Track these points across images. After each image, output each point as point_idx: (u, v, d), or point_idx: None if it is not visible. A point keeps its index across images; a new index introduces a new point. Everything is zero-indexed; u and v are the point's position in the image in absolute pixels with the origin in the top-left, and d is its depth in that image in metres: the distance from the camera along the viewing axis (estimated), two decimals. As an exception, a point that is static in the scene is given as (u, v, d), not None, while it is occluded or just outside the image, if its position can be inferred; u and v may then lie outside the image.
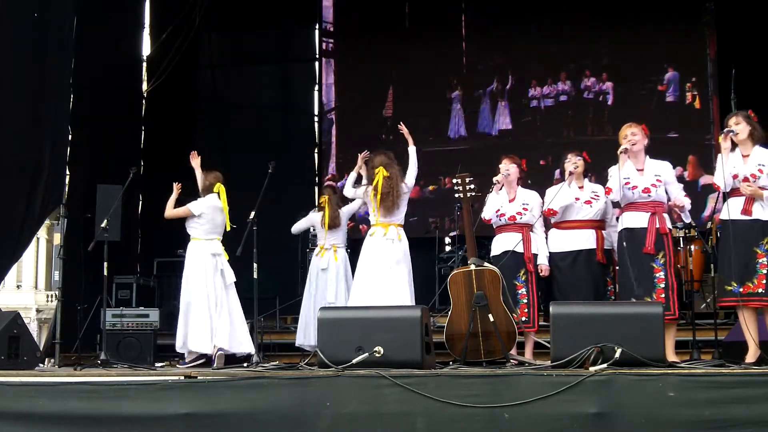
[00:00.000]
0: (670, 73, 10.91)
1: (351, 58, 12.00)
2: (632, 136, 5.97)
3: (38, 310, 30.83)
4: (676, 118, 10.73)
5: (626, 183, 5.94)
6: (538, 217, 6.56)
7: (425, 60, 11.46)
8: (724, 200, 5.68)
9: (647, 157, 6.05)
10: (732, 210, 5.56)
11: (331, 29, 12.21)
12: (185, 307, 7.07)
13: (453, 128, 11.55)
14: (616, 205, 6.34)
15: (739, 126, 5.61)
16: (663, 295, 5.82)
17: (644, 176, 5.96)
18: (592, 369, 4.65)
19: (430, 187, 11.48)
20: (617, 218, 6.57)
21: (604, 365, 4.69)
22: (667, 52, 10.90)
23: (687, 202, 6.08)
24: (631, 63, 10.97)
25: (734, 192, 5.61)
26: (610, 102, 11.01)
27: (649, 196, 5.93)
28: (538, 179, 9.30)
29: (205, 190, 7.27)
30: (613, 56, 11.10)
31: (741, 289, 5.51)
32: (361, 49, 11.81)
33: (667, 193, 6.03)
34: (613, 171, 6.01)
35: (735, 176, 5.56)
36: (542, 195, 6.61)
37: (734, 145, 5.64)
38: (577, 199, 6.45)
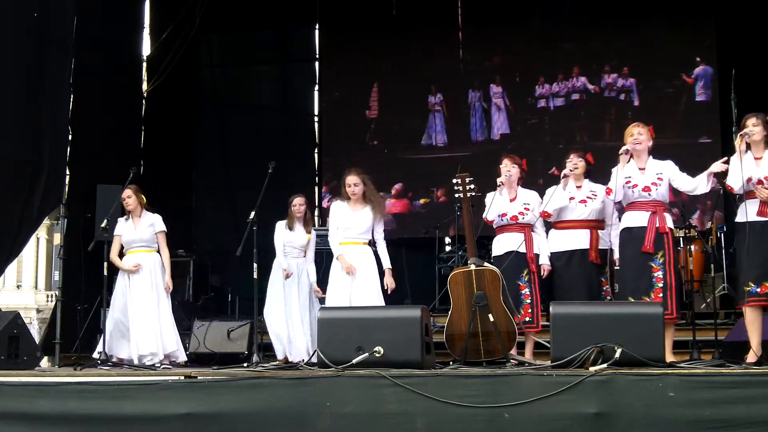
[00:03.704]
0: (701, 68, 10.46)
1: (333, 55, 11.86)
2: (638, 135, 5.97)
3: (38, 310, 30.83)
4: (708, 121, 10.25)
5: (627, 182, 5.95)
6: (539, 216, 6.57)
7: (416, 56, 11.25)
8: (740, 202, 5.67)
9: (650, 157, 6.05)
10: (748, 212, 5.57)
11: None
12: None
13: (436, 133, 11.24)
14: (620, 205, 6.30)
15: (756, 128, 5.60)
16: (661, 295, 5.81)
17: (645, 175, 5.96)
18: (592, 369, 4.65)
19: (422, 200, 11.23)
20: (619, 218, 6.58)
21: (604, 365, 4.69)
22: (697, 45, 10.44)
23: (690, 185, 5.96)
24: (653, 57, 10.53)
25: (748, 195, 5.60)
26: (636, 102, 10.55)
27: (649, 195, 5.93)
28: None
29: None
30: (633, 49, 10.67)
31: (758, 290, 5.51)
32: (344, 45, 11.64)
33: (674, 188, 6.02)
34: (614, 171, 6.02)
35: (749, 179, 5.55)
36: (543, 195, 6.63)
37: (747, 147, 5.63)
38: (572, 198, 6.48)
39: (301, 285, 7.62)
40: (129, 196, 7.25)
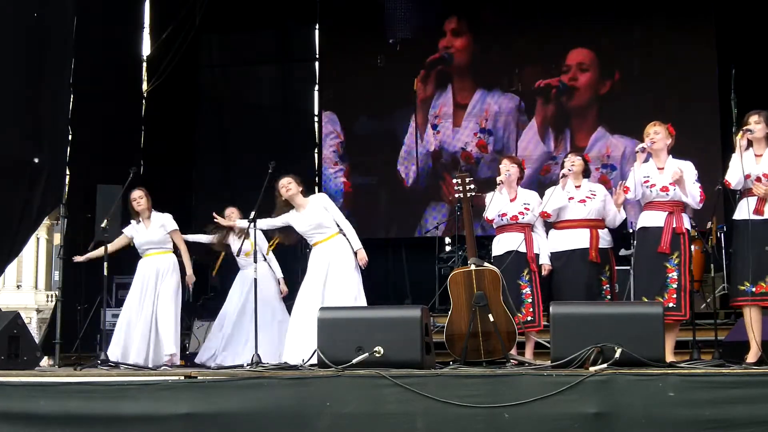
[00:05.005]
0: (702, 67, 10.36)
1: (333, 55, 11.81)
2: (654, 135, 5.95)
3: (38, 310, 30.84)
4: (708, 121, 10.18)
5: (645, 181, 5.94)
6: (538, 216, 6.58)
7: (410, 54, 11.26)
8: (739, 200, 5.66)
9: (670, 156, 6.03)
10: (745, 210, 5.56)
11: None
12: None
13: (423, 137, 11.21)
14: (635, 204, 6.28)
15: (758, 126, 5.58)
16: (675, 296, 5.80)
17: (664, 175, 5.93)
18: (592, 369, 4.65)
19: None
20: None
21: (604, 365, 4.69)
22: (697, 45, 10.40)
23: (693, 195, 5.90)
24: (654, 57, 10.50)
25: (747, 192, 5.60)
26: (637, 103, 10.37)
27: (666, 194, 5.90)
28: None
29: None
30: (634, 49, 10.66)
31: (754, 289, 5.49)
32: (344, 45, 11.60)
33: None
34: (632, 169, 6.01)
35: (747, 176, 5.54)
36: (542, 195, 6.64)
37: (748, 144, 5.62)
38: (571, 198, 6.49)
39: (249, 294, 7.62)
40: (141, 197, 7.20)
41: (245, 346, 7.36)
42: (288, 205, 6.67)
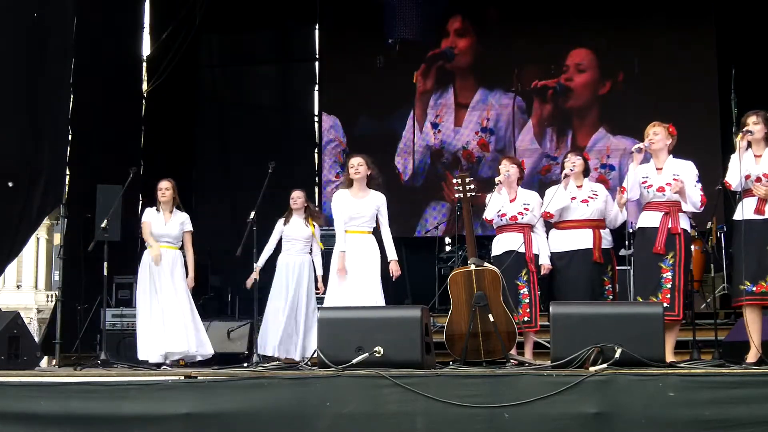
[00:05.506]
0: (701, 68, 10.37)
1: (333, 55, 11.82)
2: (653, 135, 5.95)
3: (38, 310, 30.84)
4: (707, 121, 10.19)
5: (644, 182, 5.94)
6: (539, 217, 6.58)
7: (412, 54, 11.31)
8: (740, 200, 5.66)
9: (670, 156, 6.02)
10: (745, 210, 5.55)
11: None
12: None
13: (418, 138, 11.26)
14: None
15: (757, 126, 5.58)
16: (669, 296, 5.80)
17: (661, 175, 5.92)
18: (592, 369, 4.65)
19: None
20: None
21: (604, 365, 4.69)
22: (697, 45, 10.43)
23: (693, 201, 5.88)
24: (654, 57, 10.54)
25: (747, 192, 5.59)
26: (636, 103, 10.40)
27: (663, 195, 5.89)
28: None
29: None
30: (633, 50, 10.69)
31: (754, 288, 5.49)
32: (344, 45, 11.61)
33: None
34: (629, 169, 6.01)
35: (747, 176, 5.54)
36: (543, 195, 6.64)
37: (747, 145, 5.61)
38: (573, 198, 6.49)
39: (300, 282, 7.63)
40: (167, 188, 7.19)
41: (298, 339, 7.47)
42: (350, 185, 6.52)
